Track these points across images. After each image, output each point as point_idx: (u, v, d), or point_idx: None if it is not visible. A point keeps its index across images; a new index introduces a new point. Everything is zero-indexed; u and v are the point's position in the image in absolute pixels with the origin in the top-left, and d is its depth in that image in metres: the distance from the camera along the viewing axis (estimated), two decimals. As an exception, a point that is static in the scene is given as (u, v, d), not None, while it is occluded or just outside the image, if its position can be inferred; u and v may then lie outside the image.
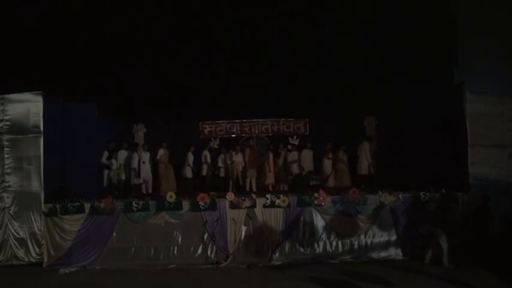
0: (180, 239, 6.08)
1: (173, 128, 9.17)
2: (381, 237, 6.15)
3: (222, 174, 8.45)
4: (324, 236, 6.16)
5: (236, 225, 6.08)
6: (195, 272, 5.70)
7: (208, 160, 8.31)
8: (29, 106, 6.18)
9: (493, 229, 5.49)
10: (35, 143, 6.13)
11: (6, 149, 6.15)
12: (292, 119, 9.64)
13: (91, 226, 6.07)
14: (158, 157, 7.72)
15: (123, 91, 8.41)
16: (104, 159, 7.52)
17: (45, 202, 6.11)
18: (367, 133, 8.92)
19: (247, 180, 8.08)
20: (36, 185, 6.10)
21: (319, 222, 6.19)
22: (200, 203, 6.11)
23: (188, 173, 8.06)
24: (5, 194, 6.12)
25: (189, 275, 5.59)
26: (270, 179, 7.90)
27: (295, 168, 8.05)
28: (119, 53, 7.98)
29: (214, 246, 6.06)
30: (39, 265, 5.99)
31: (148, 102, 8.69)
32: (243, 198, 6.21)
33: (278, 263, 5.96)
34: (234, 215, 6.11)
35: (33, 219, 6.06)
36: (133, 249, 6.05)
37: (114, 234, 6.08)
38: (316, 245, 6.12)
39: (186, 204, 6.15)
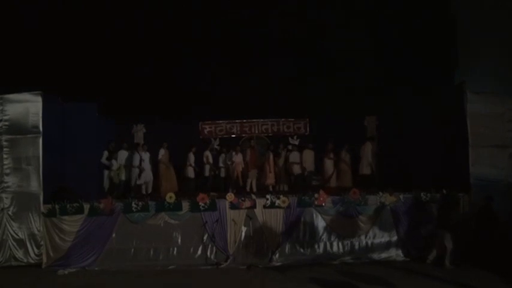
0: (179, 240, 6.06)
1: (173, 128, 9.16)
2: (382, 238, 6.14)
3: (222, 174, 8.43)
4: (324, 237, 6.14)
5: (236, 226, 6.07)
6: (195, 273, 5.68)
7: (210, 161, 8.29)
8: (28, 106, 6.17)
9: (497, 230, 5.47)
10: (34, 143, 6.12)
11: (5, 149, 6.14)
12: (293, 119, 9.65)
13: (90, 227, 6.05)
14: (160, 157, 7.70)
15: (123, 91, 8.38)
16: (103, 160, 7.50)
17: (44, 203, 6.09)
18: (367, 133, 8.91)
19: (248, 181, 8.07)
20: (35, 185, 6.09)
21: (320, 223, 6.18)
22: (200, 203, 6.10)
23: (190, 173, 8.04)
24: (3, 195, 6.11)
25: (188, 276, 5.57)
26: (270, 180, 7.90)
27: (296, 169, 8.03)
28: (119, 52, 7.97)
29: (214, 247, 6.04)
30: (38, 266, 5.97)
31: (148, 102, 8.66)
32: (243, 198, 6.20)
33: (278, 264, 5.94)
34: (234, 216, 6.10)
35: (32, 220, 6.05)
36: (132, 250, 6.03)
37: (114, 235, 6.06)
38: (316, 246, 6.11)
39: (185, 205, 6.14)
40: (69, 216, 6.06)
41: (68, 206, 6.06)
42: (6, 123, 6.19)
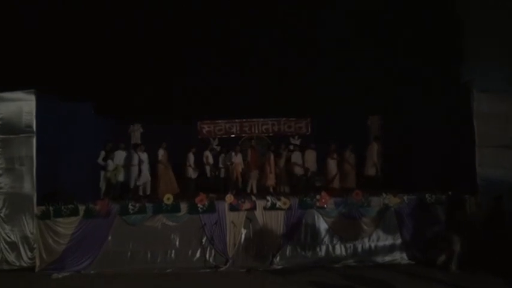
0: (177, 243, 6.03)
1: (170, 128, 9.13)
2: (386, 240, 6.11)
3: (222, 175, 8.41)
4: (326, 240, 6.11)
5: (235, 228, 6.04)
6: (193, 276, 5.65)
7: (210, 161, 8.24)
8: (21, 105, 6.12)
9: (505, 231, 5.42)
10: (27, 143, 6.07)
11: (-3, 149, 6.09)
12: (294, 119, 9.64)
13: (85, 229, 6.01)
14: (160, 158, 7.69)
15: (119, 90, 8.32)
16: (100, 160, 7.47)
17: (38, 204, 6.05)
18: (371, 133, 8.89)
19: (250, 182, 8.03)
20: (28, 186, 6.04)
21: (322, 225, 6.15)
22: (198, 205, 6.07)
23: (190, 174, 8.01)
24: (-4, 196, 6.07)
25: (187, 279, 5.54)
26: (270, 181, 7.85)
27: (298, 170, 8.01)
28: (116, 51, 7.90)
29: (213, 250, 6.01)
30: (31, 270, 5.93)
31: (145, 102, 8.63)
32: (242, 200, 6.17)
33: (279, 267, 5.91)
34: (233, 218, 6.07)
35: (25, 222, 6.00)
36: (129, 253, 6.00)
37: (110, 237, 6.02)
38: (318, 249, 6.08)
39: (184, 207, 6.11)
40: (64, 218, 6.01)
41: (63, 207, 6.01)
42: (-1, 122, 6.14)
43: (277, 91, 8.71)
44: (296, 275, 5.55)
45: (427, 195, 6.09)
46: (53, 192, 6.24)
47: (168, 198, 6.11)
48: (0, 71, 7.16)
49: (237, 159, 8.18)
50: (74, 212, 6.02)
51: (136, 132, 9.16)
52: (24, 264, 5.98)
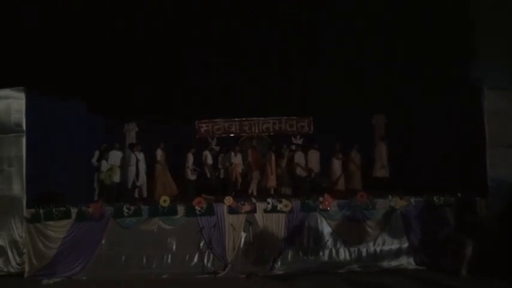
0: (174, 247, 5.97)
1: (167, 127, 9.06)
2: (392, 244, 6.05)
3: (221, 176, 8.37)
4: (329, 244, 6.06)
5: (235, 231, 5.98)
6: (191, 282, 5.59)
7: (209, 161, 8.18)
8: (10, 103, 6.05)
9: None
10: (16, 143, 6.00)
11: (-15, 149, 6.03)
12: (296, 117, 9.56)
13: (78, 233, 5.93)
14: (158, 158, 7.62)
15: (113, 88, 8.22)
16: (94, 160, 7.41)
17: (28, 207, 5.98)
18: (376, 132, 8.84)
19: (252, 183, 7.97)
20: (17, 188, 5.97)
21: (325, 228, 6.09)
22: (196, 207, 6.01)
23: (190, 175, 7.98)
24: (-17, 198, 6.00)
25: (184, 285, 5.49)
26: (271, 182, 7.80)
27: (301, 170, 7.94)
28: (109, 47, 7.81)
29: (211, 255, 5.95)
30: (20, 276, 5.85)
31: (141, 100, 8.57)
32: (242, 202, 6.11)
33: (280, 272, 5.86)
34: (232, 221, 6.01)
35: (13, 226, 5.93)
36: (123, 257, 5.93)
37: (103, 241, 5.96)
38: (321, 253, 6.02)
39: (181, 209, 6.05)
40: (55, 221, 5.94)
41: (54, 210, 5.94)
42: (-14, 121, 6.09)
43: (278, 89, 8.65)
44: (298, 280, 5.50)
45: (435, 197, 6.03)
46: (43, 194, 6.20)
47: (164, 201, 6.06)
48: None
49: (237, 159, 8.12)
50: (66, 215, 5.95)
51: (132, 132, 9.07)
52: (13, 270, 5.91)
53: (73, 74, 7.57)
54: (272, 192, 7.74)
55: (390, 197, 6.13)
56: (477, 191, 5.93)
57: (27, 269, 5.85)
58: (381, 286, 5.11)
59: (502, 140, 5.90)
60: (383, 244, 6.04)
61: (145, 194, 7.61)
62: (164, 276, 5.78)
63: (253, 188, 7.98)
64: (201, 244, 5.96)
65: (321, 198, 6.11)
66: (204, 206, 6.02)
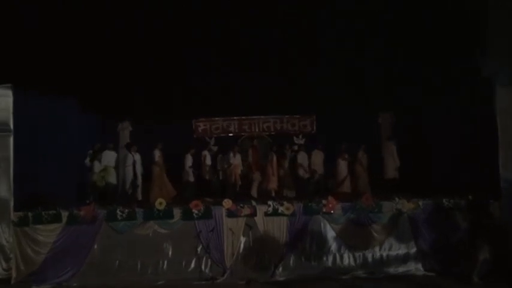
0: (170, 252, 5.92)
1: (163, 126, 8.99)
2: (399, 249, 6.00)
3: (220, 177, 8.31)
4: (333, 248, 6.01)
5: (234, 235, 5.93)
6: (187, 289, 5.54)
7: (208, 162, 8.10)
8: (-4, 101, 6.01)
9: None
10: (3, 143, 5.95)
11: (-30, 149, 5.99)
12: (298, 116, 9.49)
13: (68, 237, 5.87)
14: (156, 159, 7.58)
15: (106, 85, 8.12)
16: (87, 161, 7.33)
17: (15, 210, 5.92)
18: (382, 132, 8.79)
19: (254, 184, 7.91)
20: (4, 190, 5.92)
21: (328, 232, 6.05)
22: (193, 210, 5.95)
23: (189, 177, 7.95)
24: (-32, 201, 5.96)
25: (180, 292, 5.44)
26: (273, 184, 7.74)
27: (304, 172, 7.88)
28: (102, 42, 7.73)
29: (209, 260, 5.91)
30: (7, 282, 5.78)
31: (135, 98, 8.48)
32: (241, 205, 6.05)
33: (281, 278, 5.81)
34: (231, 225, 5.97)
35: (0, 230, 5.87)
36: (116, 263, 5.88)
37: (95, 246, 5.90)
38: (324, 259, 5.98)
39: (177, 213, 6.00)
40: (44, 225, 5.87)
41: (43, 213, 5.87)
42: (-28, 120, 6.05)
43: (278, 89, 8.60)
44: (300, 287, 5.47)
45: (444, 200, 5.98)
46: (32, 196, 6.14)
47: (160, 203, 6.00)
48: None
49: (236, 160, 8.06)
50: (56, 219, 5.87)
51: (125, 131, 9.01)
52: (-1, 276, 5.87)
53: (64, 71, 7.49)
54: (273, 194, 7.68)
55: (397, 199, 6.07)
56: (489, 193, 5.86)
57: (14, 275, 5.78)
58: (387, 293, 5.06)
59: (515, 139, 5.83)
60: (390, 249, 5.99)
61: (140, 197, 7.56)
62: (160, 282, 5.72)
63: (253, 190, 7.91)
64: (199, 249, 5.91)
65: (324, 201, 6.07)
66: (202, 209, 5.96)
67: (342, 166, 7.80)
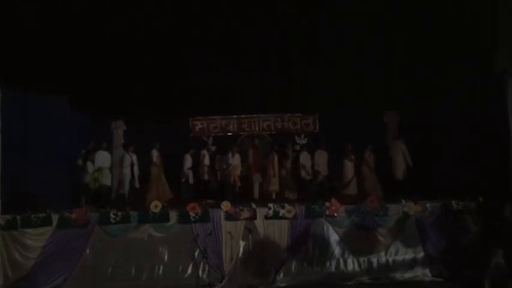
0: (166, 257, 5.90)
1: (158, 125, 8.93)
2: (405, 254, 6.02)
3: (218, 178, 8.28)
4: (337, 253, 6.02)
5: (233, 239, 5.91)
6: (184, 295, 5.55)
7: (206, 162, 8.08)
8: (-19, 99, 5.97)
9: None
10: None
11: (-45, 149, 5.94)
12: (300, 115, 9.43)
13: (59, 241, 5.81)
14: (154, 159, 7.57)
15: (98, 82, 8.05)
16: (79, 161, 7.30)
17: (3, 213, 5.84)
18: (388, 131, 8.74)
19: (255, 186, 7.87)
20: None
21: (332, 236, 6.06)
22: (190, 213, 5.93)
23: (188, 178, 7.93)
24: (-47, 203, 5.92)
25: (176, 299, 5.43)
26: (274, 185, 7.71)
27: (306, 173, 7.85)
28: (95, 40, 7.69)
29: (206, 265, 5.89)
30: (-7, 288, 5.80)
31: (129, 95, 8.39)
32: (240, 208, 6.04)
33: (283, 284, 5.81)
34: (230, 228, 5.95)
35: (-14, 234, 5.84)
36: (110, 268, 5.84)
37: (88, 251, 5.86)
38: (327, 264, 5.98)
39: (173, 216, 5.98)
40: (34, 228, 5.80)
41: (33, 216, 5.81)
42: (-43, 119, 6.00)
43: (279, 88, 8.58)
44: (302, 293, 5.48)
45: (453, 202, 6.00)
46: (21, 198, 6.11)
47: (155, 206, 5.97)
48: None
49: (235, 160, 8.02)
50: (46, 222, 5.82)
51: (119, 130, 8.95)
52: (-15, 282, 5.84)
53: (55, 69, 7.45)
54: (274, 196, 7.66)
55: (403, 201, 6.07)
56: (501, 195, 5.78)
57: (1, 281, 5.71)
58: (393, 300, 5.07)
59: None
60: (396, 254, 5.98)
61: (129, 199, 7.50)
62: (155, 288, 5.72)
63: (255, 191, 7.88)
64: (196, 254, 5.87)
65: (327, 204, 6.05)
66: (199, 211, 5.93)
67: (349, 167, 7.77)
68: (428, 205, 6.02)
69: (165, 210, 5.97)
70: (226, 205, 5.97)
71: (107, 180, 7.39)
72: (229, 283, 5.77)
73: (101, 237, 5.85)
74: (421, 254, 5.98)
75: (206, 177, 8.12)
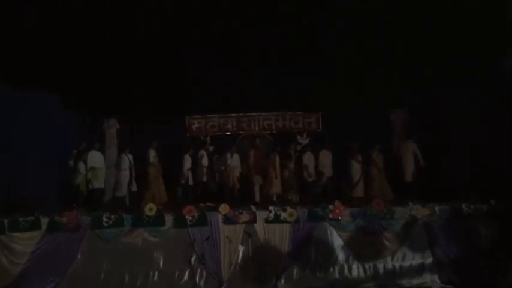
0: (161, 262, 5.90)
1: (153, 124, 8.93)
2: (413, 260, 6.02)
3: (216, 179, 8.25)
4: (341, 259, 6.03)
5: (231, 244, 5.91)
6: (180, 303, 5.55)
7: (204, 163, 8.09)
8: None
9: None
10: None
11: None
12: (302, 113, 9.39)
13: (49, 246, 5.81)
14: (151, 159, 7.58)
15: (91, 79, 8.02)
16: (70, 162, 7.29)
17: None
18: (396, 130, 8.69)
19: (255, 188, 7.86)
20: None
21: (335, 241, 6.07)
22: (187, 217, 5.92)
23: (188, 179, 7.93)
24: None
25: (172, 307, 5.43)
26: (276, 187, 7.69)
27: (310, 174, 7.84)
28: (88, 35, 7.68)
29: (204, 271, 5.89)
30: (-22, 296, 5.79)
31: (122, 93, 8.34)
32: (240, 211, 6.03)
33: None
34: (229, 232, 5.95)
35: (-28, 238, 5.83)
36: (102, 274, 5.83)
37: (79, 256, 5.86)
38: (331, 270, 5.98)
39: (169, 219, 5.97)
40: (22, 233, 5.78)
41: (21, 220, 5.80)
42: None
43: (282, 80, 8.56)
44: (304, 301, 5.51)
45: (463, 205, 5.99)
46: (8, 201, 6.16)
47: (150, 209, 5.96)
48: None
49: (234, 161, 8.01)
50: (35, 226, 5.80)
51: (112, 129, 8.91)
52: (-30, 290, 5.83)
53: (44, 65, 7.44)
54: (275, 199, 7.63)
55: (411, 204, 6.07)
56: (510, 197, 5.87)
57: (-13, 289, 5.79)
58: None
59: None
60: (403, 259, 5.98)
61: (127, 202, 7.51)
62: (150, 296, 5.73)
63: (256, 194, 7.86)
64: (193, 259, 5.87)
65: (331, 206, 6.05)
66: (196, 215, 5.92)
67: (356, 168, 7.72)
68: (437, 208, 6.02)
69: (160, 214, 5.96)
70: (224, 208, 5.96)
71: (99, 182, 7.37)
72: (227, 290, 5.79)
73: (93, 241, 5.84)
74: (429, 260, 5.99)
75: (205, 179, 8.11)
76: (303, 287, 5.85)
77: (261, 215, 6.01)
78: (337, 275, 5.94)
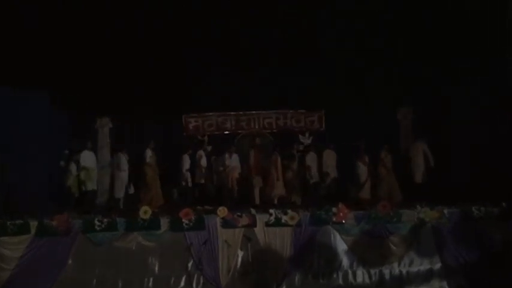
0: (156, 268, 5.91)
1: (148, 122, 8.97)
2: (421, 265, 6.02)
3: (214, 181, 8.26)
4: (345, 264, 6.05)
5: (230, 249, 5.93)
6: (176, 311, 5.57)
7: (203, 163, 8.10)
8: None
9: None
10: None
11: None
12: (304, 111, 9.38)
13: (38, 251, 5.81)
14: (148, 160, 7.59)
15: (82, 77, 8.02)
16: (62, 163, 7.29)
17: None
18: (402, 129, 8.68)
19: (255, 190, 7.85)
20: None
21: (339, 245, 6.08)
22: (183, 220, 5.93)
23: (187, 181, 7.95)
24: None
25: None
26: (278, 189, 7.68)
27: (313, 175, 7.85)
28: (85, 32, 7.72)
29: (201, 277, 5.93)
30: (-37, 304, 5.80)
31: (115, 91, 8.35)
32: (239, 214, 6.03)
33: None
34: (227, 236, 5.97)
35: (-43, 243, 5.83)
36: (94, 280, 5.84)
37: (70, 261, 5.87)
38: (335, 276, 6.00)
39: (165, 223, 5.98)
40: (10, 237, 5.77)
41: (9, 223, 5.78)
42: None
43: (283, 77, 8.59)
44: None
45: (473, 208, 5.99)
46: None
47: (145, 212, 5.96)
48: None
49: (232, 162, 8.01)
50: (24, 229, 5.79)
51: (105, 128, 8.90)
52: (-44, 296, 5.85)
53: (33, 61, 7.48)
54: (276, 201, 7.61)
55: (419, 207, 6.06)
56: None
57: (-27, 296, 5.80)
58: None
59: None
60: (410, 264, 5.98)
61: (121, 205, 7.51)
62: (144, 303, 5.74)
63: (256, 196, 7.86)
64: (189, 265, 5.89)
65: (334, 209, 6.05)
66: (193, 218, 5.92)
67: (363, 169, 7.73)
68: (446, 211, 6.04)
69: (155, 217, 5.97)
70: (223, 211, 5.96)
71: (92, 183, 7.36)
72: (226, 297, 5.82)
73: (85, 246, 5.85)
74: (438, 265, 6.00)
75: (203, 180, 8.11)
76: (305, 293, 5.86)
77: (261, 218, 6.03)
78: (341, 282, 5.95)
